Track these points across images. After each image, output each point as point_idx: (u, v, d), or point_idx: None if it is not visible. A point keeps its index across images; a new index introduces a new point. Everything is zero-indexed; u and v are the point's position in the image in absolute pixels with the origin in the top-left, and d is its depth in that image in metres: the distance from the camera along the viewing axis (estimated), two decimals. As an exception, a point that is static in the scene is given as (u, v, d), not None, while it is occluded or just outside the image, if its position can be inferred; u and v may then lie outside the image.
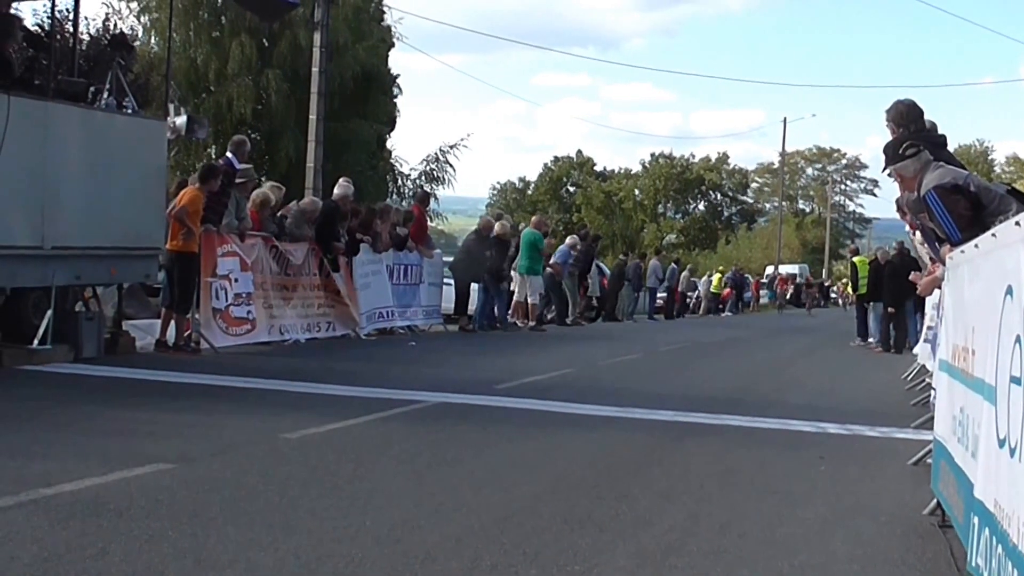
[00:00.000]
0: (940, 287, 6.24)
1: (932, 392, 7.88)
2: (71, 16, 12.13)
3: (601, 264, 30.68)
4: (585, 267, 23.44)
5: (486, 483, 5.48)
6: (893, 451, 7.17)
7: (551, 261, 21.00)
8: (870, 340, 19.13)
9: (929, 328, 11.50)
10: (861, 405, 10.08)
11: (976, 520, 3.73)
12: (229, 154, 12.27)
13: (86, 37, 20.71)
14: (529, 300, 19.32)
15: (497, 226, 18.46)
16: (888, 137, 6.94)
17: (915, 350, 13.84)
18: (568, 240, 23.13)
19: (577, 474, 5.89)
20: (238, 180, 12.15)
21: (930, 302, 11.53)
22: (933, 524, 5.09)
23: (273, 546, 4.05)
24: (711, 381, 11.92)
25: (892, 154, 5.66)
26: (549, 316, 21.55)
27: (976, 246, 4.54)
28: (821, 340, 22.23)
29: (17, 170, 8.99)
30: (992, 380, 3.67)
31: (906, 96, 6.82)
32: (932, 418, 6.34)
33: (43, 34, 12.57)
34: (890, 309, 17.94)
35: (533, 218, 21.76)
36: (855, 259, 20.79)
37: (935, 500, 5.22)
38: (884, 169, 5.83)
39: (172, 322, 11.23)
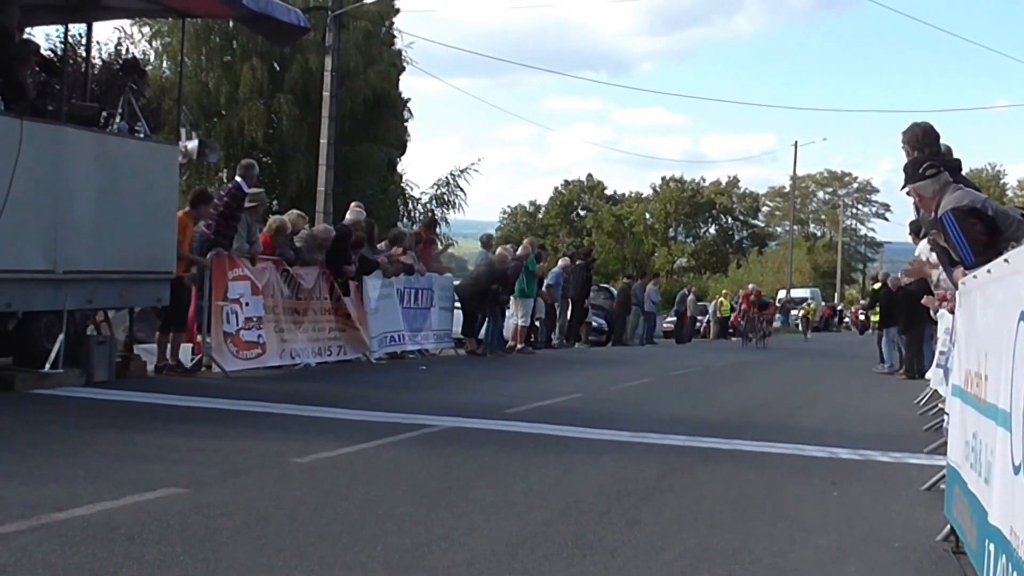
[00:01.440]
0: (952, 311, 6.22)
1: (945, 417, 7.83)
2: (84, 41, 12.25)
3: (611, 288, 30.69)
4: (582, 288, 23.24)
5: (497, 508, 5.46)
6: (906, 476, 7.12)
7: (545, 283, 21.04)
8: (884, 365, 19.05)
9: (941, 353, 11.45)
10: (873, 430, 10.02)
11: (992, 547, 3.70)
12: (238, 178, 12.31)
13: (99, 62, 20.92)
14: (519, 323, 19.34)
15: (500, 250, 18.57)
16: (903, 160, 6.96)
17: (927, 375, 13.78)
18: (560, 262, 23.08)
19: (589, 499, 5.86)
20: (248, 204, 12.20)
21: (942, 327, 11.49)
22: (947, 551, 5.05)
23: (284, 571, 4.04)
24: (722, 406, 11.88)
25: (911, 173, 5.67)
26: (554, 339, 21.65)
27: (988, 271, 4.53)
28: (832, 365, 22.14)
29: (30, 194, 9.03)
30: (1006, 406, 3.64)
31: (917, 120, 6.84)
32: (945, 443, 6.30)
33: (56, 59, 12.67)
34: (900, 335, 17.89)
35: (524, 241, 21.84)
36: (874, 286, 20.75)
37: (949, 526, 5.18)
38: (903, 187, 5.82)
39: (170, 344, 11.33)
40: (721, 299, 39.23)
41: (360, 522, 4.97)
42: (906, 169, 5.76)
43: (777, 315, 47.64)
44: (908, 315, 16.70)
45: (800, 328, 45.37)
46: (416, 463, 6.67)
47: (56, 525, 4.47)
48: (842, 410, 12.31)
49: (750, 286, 34.76)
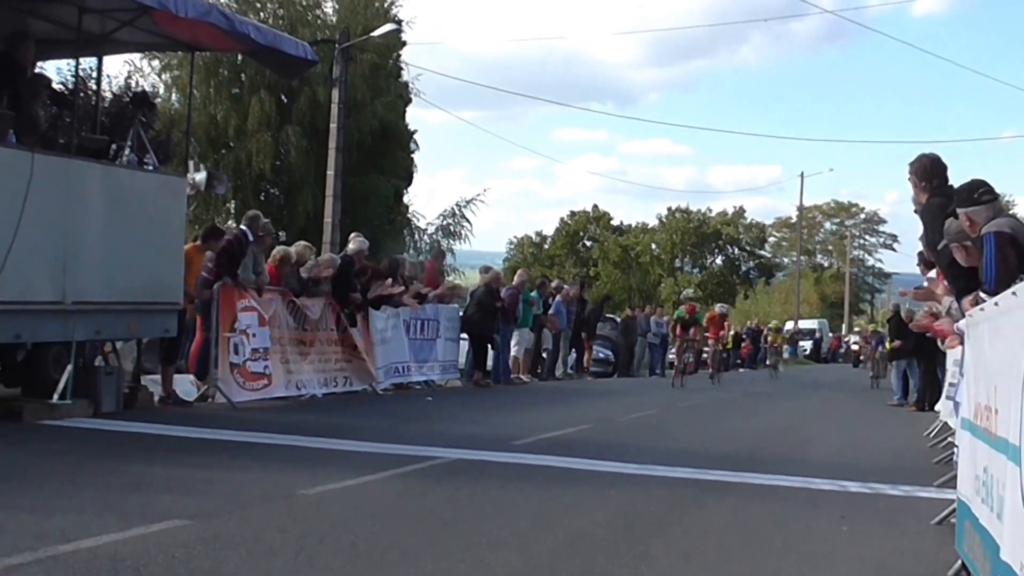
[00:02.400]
0: (962, 342, 6.20)
1: (955, 450, 7.78)
2: (94, 74, 12.40)
3: (616, 318, 30.66)
4: (581, 320, 23.15)
5: (504, 540, 5.44)
6: (916, 510, 7.07)
7: (549, 313, 21.11)
8: (895, 397, 18.96)
9: (951, 385, 11.40)
10: (882, 462, 9.97)
11: (1003, 583, 3.68)
12: (243, 227, 12.32)
13: (109, 95, 21.08)
14: (513, 353, 19.40)
15: (493, 270, 18.84)
16: (910, 191, 6.97)
17: (937, 407, 13.71)
18: (559, 296, 23.05)
19: (596, 532, 5.84)
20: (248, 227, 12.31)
21: (951, 358, 11.44)
22: (958, 586, 5.02)
23: (291, 605, 4.02)
24: (730, 438, 11.84)
25: (966, 197, 5.64)
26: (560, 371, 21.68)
27: (996, 304, 4.53)
28: (840, 396, 22.06)
29: (40, 226, 9.09)
30: (1016, 440, 3.63)
31: (924, 151, 6.86)
32: (955, 476, 6.26)
33: (67, 92, 12.79)
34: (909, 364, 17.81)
35: (519, 271, 22.00)
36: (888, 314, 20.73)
37: (960, 561, 5.15)
38: (952, 208, 5.78)
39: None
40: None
41: (366, 555, 4.96)
42: (960, 192, 5.71)
43: (785, 346, 47.56)
44: (920, 346, 16.61)
45: (768, 363, 34.72)
46: (422, 495, 6.66)
47: (63, 557, 4.47)
48: (851, 441, 12.26)
49: (684, 292, 31.14)
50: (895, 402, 18.62)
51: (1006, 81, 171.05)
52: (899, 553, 5.79)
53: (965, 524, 5.06)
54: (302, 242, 14.73)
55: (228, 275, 11.58)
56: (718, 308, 27.38)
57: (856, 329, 51.47)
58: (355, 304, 14.12)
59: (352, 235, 15.38)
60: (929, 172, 6.63)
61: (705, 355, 26.33)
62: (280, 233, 25.59)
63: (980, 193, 5.60)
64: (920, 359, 17.29)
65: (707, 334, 24.91)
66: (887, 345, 21.62)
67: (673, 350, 26.62)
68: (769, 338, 37.81)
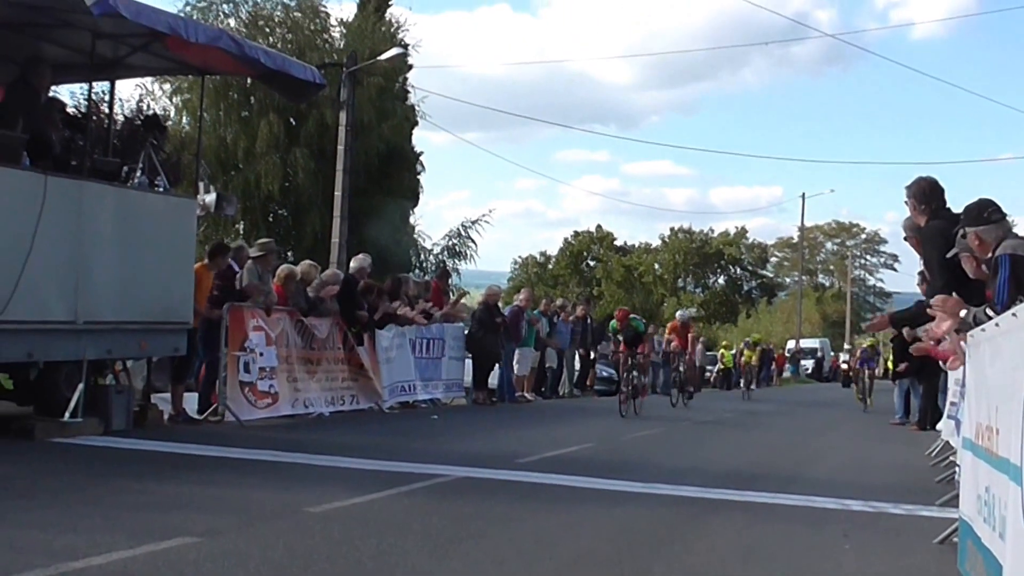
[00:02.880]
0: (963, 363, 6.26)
1: (957, 469, 7.84)
2: (107, 98, 12.55)
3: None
4: (584, 339, 23.24)
5: (508, 558, 5.51)
6: (918, 529, 7.11)
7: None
8: (897, 416, 18.97)
9: (952, 404, 11.44)
10: (885, 481, 10.00)
11: (1006, 602, 3.72)
12: (230, 260, 12.31)
13: (121, 118, 21.25)
14: (517, 372, 19.53)
15: (489, 287, 19.25)
16: (907, 213, 7.04)
17: (938, 426, 13.74)
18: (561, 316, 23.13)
19: (599, 550, 5.89)
20: (255, 253, 12.43)
21: (952, 377, 11.48)
22: (958, 604, 5.06)
23: (299, 619, 4.09)
24: (733, 456, 11.88)
25: (975, 216, 5.70)
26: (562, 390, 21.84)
27: (997, 325, 4.59)
28: (842, 415, 22.05)
29: (53, 247, 9.22)
30: (1017, 460, 3.67)
31: (923, 172, 6.93)
32: (957, 495, 6.31)
33: (80, 115, 12.94)
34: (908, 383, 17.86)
35: (522, 290, 22.19)
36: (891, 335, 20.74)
37: (960, 580, 5.19)
38: (960, 228, 5.84)
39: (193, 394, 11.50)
40: (722, 350, 39.06)
41: (373, 572, 5.03)
42: (969, 211, 5.75)
43: (786, 365, 47.49)
44: (921, 366, 16.64)
45: (741, 385, 31.22)
46: (428, 513, 6.71)
47: (73, 574, 4.53)
48: (853, 460, 12.30)
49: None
50: (896, 421, 18.64)
51: (1004, 103, 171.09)
52: (901, 572, 5.83)
53: (968, 543, 5.11)
54: (307, 261, 14.87)
55: (231, 300, 11.75)
56: (678, 315, 24.49)
57: (847, 347, 50.10)
58: (362, 323, 14.24)
59: (358, 254, 15.53)
60: (928, 195, 6.68)
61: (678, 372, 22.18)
62: (288, 253, 25.76)
63: (989, 212, 5.66)
64: (921, 378, 17.34)
65: (673, 345, 22.39)
66: (889, 364, 21.59)
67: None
68: (743, 356, 34.07)
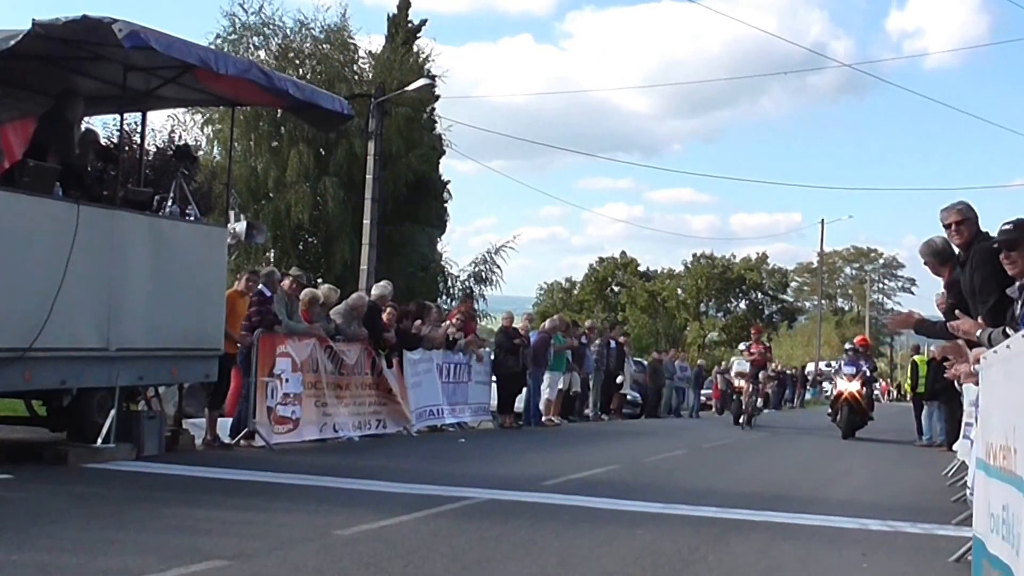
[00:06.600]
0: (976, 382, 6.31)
1: (968, 488, 7.87)
2: (139, 129, 12.79)
3: (644, 361, 30.74)
4: (608, 362, 23.30)
5: (533, 578, 5.59)
6: (935, 548, 7.14)
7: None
8: (925, 437, 18.88)
9: (968, 424, 11.43)
10: (902, 501, 10.02)
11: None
12: (261, 286, 12.45)
13: (152, 148, 21.61)
14: (544, 395, 19.62)
15: (505, 313, 19.29)
16: (923, 237, 7.17)
17: (955, 446, 13.74)
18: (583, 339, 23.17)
19: (623, 571, 5.95)
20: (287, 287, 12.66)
21: (967, 399, 11.49)
22: (975, 621, 5.10)
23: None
24: (754, 477, 11.92)
25: (1016, 238, 5.80)
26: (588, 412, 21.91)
27: (1008, 347, 4.67)
28: (858, 436, 21.91)
29: (86, 275, 9.35)
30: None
31: (938, 197, 7.12)
32: (972, 514, 6.35)
33: (112, 146, 13.25)
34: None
35: (553, 317, 22.39)
36: (915, 358, 20.66)
37: (976, 597, 5.23)
38: (1001, 245, 5.92)
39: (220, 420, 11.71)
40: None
41: (400, 591, 5.12)
42: (1009, 232, 5.83)
43: (808, 387, 47.42)
44: (944, 386, 16.59)
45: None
46: (455, 535, 6.80)
47: (107, 595, 4.66)
48: (872, 480, 12.30)
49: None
50: (923, 443, 18.60)
51: (1015, 130, 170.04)
52: (920, 590, 5.87)
53: (982, 562, 5.15)
54: (326, 285, 15.06)
55: (264, 328, 11.92)
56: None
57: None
58: (389, 344, 14.42)
59: (381, 281, 15.79)
60: (942, 252, 7.02)
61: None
62: (318, 280, 25.98)
63: None
64: (942, 400, 17.37)
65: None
66: (907, 386, 21.38)
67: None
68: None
